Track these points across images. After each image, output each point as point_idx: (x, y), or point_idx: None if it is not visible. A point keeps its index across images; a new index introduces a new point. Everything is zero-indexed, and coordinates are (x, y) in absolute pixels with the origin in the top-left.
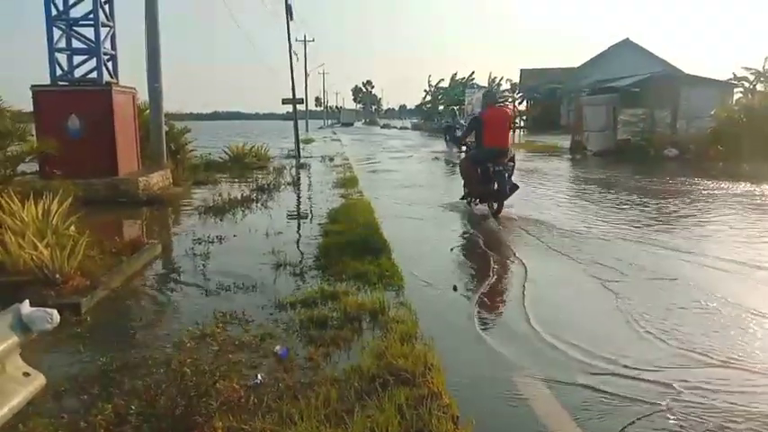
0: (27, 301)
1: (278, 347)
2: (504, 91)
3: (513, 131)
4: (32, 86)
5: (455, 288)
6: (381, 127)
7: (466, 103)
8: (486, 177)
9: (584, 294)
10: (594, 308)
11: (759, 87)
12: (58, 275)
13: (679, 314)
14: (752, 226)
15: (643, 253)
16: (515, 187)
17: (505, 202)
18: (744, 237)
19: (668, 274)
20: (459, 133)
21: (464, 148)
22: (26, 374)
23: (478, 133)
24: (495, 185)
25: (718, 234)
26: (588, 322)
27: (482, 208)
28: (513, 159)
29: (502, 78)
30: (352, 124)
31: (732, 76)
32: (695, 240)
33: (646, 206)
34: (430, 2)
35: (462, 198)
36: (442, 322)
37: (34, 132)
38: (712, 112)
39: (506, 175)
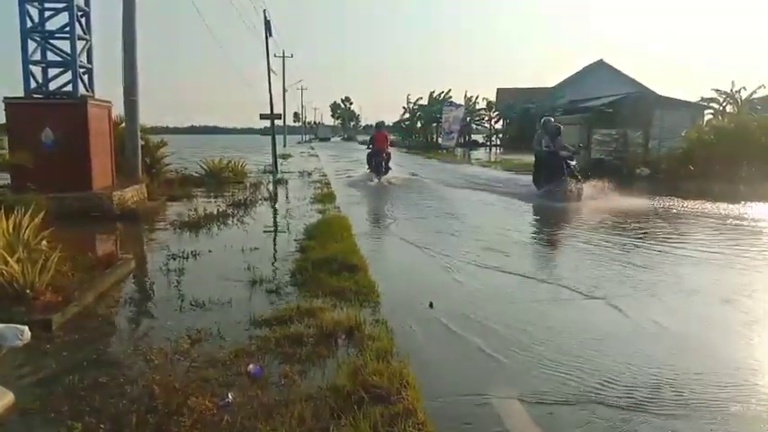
0: None
1: (251, 366)
2: (480, 110)
3: (392, 144)
4: (5, 99)
5: (431, 305)
6: (360, 143)
7: (443, 120)
8: (375, 162)
9: None
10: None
11: (728, 109)
12: (28, 291)
13: None
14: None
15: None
16: (389, 168)
17: None
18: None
19: None
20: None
21: (369, 149)
22: None
23: (373, 143)
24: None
25: None
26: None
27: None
28: (388, 156)
29: (478, 97)
30: (328, 139)
31: (700, 99)
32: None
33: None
34: (409, 21)
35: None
36: None
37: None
38: (683, 133)
39: (383, 162)
